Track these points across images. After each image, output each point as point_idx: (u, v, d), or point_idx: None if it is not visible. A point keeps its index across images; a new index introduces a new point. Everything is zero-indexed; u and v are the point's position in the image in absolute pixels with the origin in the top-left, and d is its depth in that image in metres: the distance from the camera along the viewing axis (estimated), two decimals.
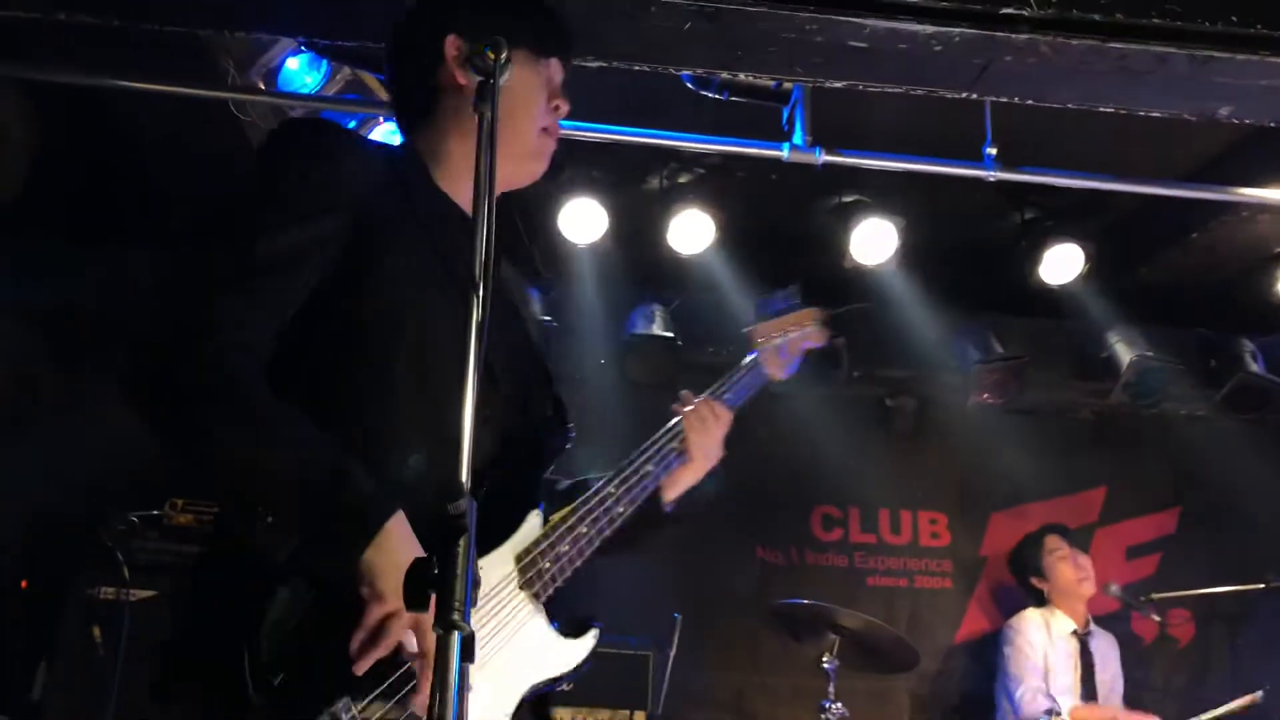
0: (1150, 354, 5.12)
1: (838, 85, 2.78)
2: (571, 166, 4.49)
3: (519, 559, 1.74)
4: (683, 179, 4.71)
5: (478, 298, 1.37)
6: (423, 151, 1.88)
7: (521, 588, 1.74)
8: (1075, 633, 4.78)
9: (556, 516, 1.82)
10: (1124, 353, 5.14)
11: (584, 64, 2.69)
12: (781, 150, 3.54)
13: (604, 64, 2.69)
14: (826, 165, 3.59)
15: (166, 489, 3.73)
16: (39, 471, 4.02)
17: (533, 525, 1.78)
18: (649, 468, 1.99)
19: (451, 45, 1.86)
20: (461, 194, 1.84)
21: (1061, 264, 4.63)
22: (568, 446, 1.95)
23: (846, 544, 5.43)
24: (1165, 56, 2.52)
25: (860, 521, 5.48)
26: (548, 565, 1.76)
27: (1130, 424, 5.55)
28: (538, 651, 1.74)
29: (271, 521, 1.49)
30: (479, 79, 1.56)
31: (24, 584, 4.15)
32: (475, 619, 1.53)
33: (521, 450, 1.81)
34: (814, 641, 4.24)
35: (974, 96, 2.85)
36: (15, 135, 3.78)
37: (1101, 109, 2.83)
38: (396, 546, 1.50)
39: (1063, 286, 4.71)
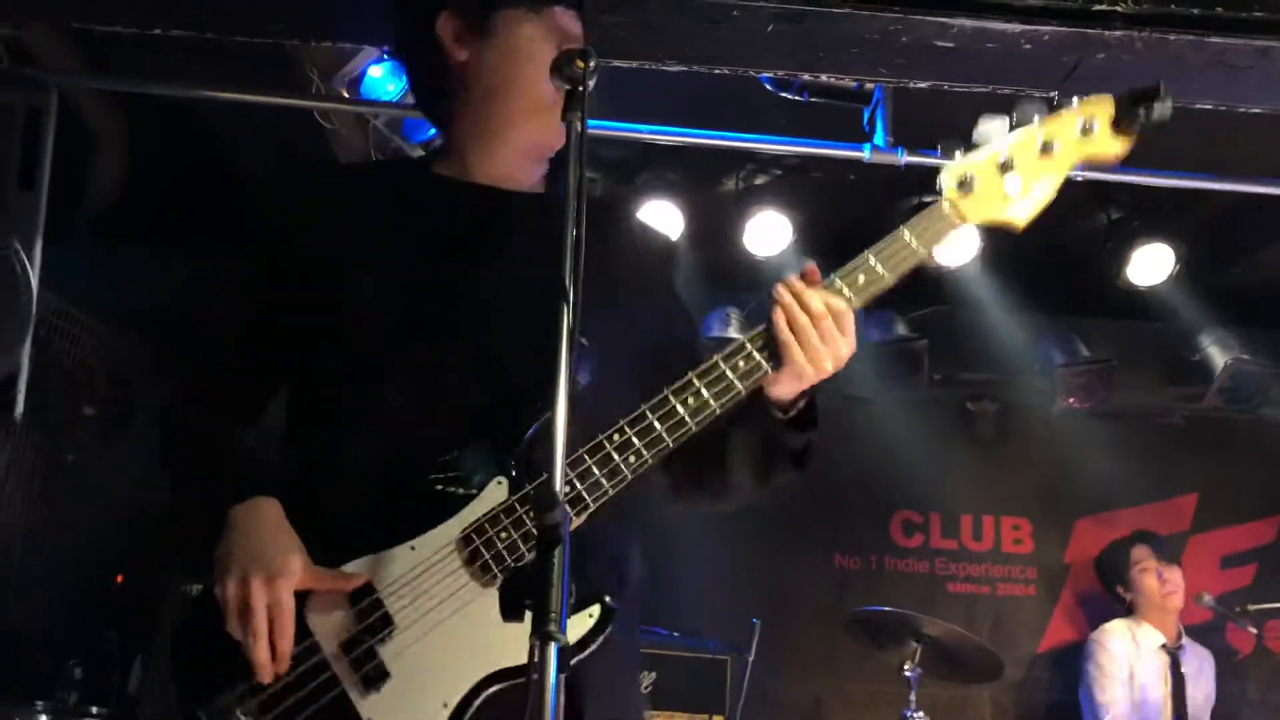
0: (1246, 357, 4.95)
1: (922, 86, 2.73)
2: (646, 169, 4.49)
3: (464, 532, 1.56)
4: (759, 180, 4.68)
5: (568, 306, 1.36)
6: (442, 146, 1.88)
7: (465, 563, 1.55)
8: (1165, 647, 4.63)
9: (533, 485, 1.57)
10: (1218, 356, 4.98)
11: (664, 67, 2.69)
12: (863, 151, 3.50)
13: (684, 67, 2.68)
14: (907, 166, 3.54)
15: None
16: (134, 470, 4.14)
17: (491, 493, 1.57)
18: (690, 399, 1.59)
19: (445, 23, 1.80)
20: (483, 169, 1.81)
21: (1150, 264, 4.50)
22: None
23: (927, 550, 5.35)
24: (1267, 50, 2.43)
25: (941, 527, 5.39)
26: (502, 535, 1.54)
27: (1224, 429, 5.36)
28: (483, 639, 1.52)
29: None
30: (565, 86, 1.56)
31: (119, 579, 4.29)
32: (397, 601, 1.54)
33: (503, 419, 1.61)
34: (895, 649, 4.18)
35: (1061, 97, 2.78)
36: (113, 145, 3.91)
37: (1199, 105, 2.74)
38: (239, 534, 1.53)
39: (1152, 287, 4.58)
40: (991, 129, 1.68)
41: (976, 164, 1.64)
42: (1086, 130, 1.64)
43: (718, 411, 1.60)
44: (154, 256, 4.72)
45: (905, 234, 1.65)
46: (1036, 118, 1.66)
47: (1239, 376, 4.95)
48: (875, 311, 5.13)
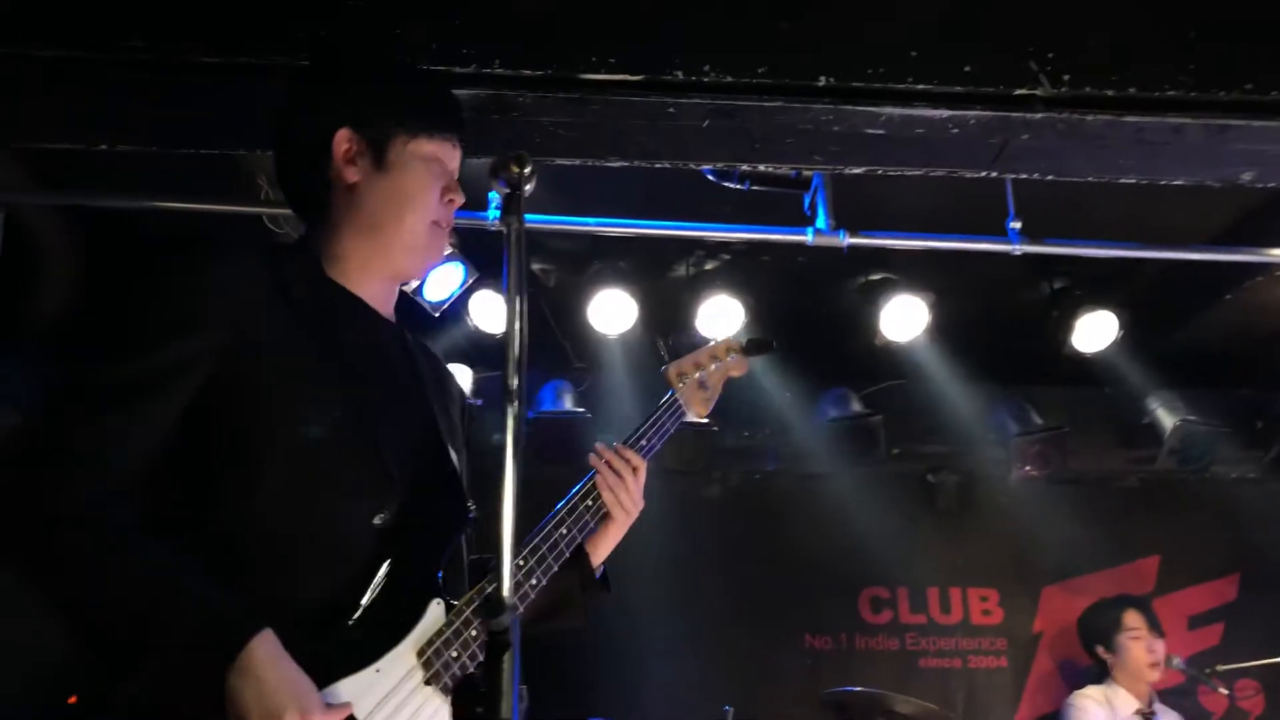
0: (1193, 418, 5.05)
1: (857, 171, 2.81)
2: (598, 259, 4.56)
3: (420, 652, 1.67)
4: (709, 265, 4.76)
5: (512, 408, 1.38)
6: (319, 246, 1.85)
7: (427, 682, 1.67)
8: (1139, 712, 4.61)
9: (464, 600, 1.74)
10: (1166, 418, 5.07)
11: (606, 164, 2.75)
12: (806, 235, 3.58)
13: (626, 163, 2.74)
14: (851, 247, 3.62)
15: None
16: None
17: (434, 615, 1.71)
18: (562, 531, 1.92)
19: (341, 140, 1.83)
20: (361, 287, 1.85)
21: (1095, 331, 4.60)
22: (468, 529, 1.88)
23: (897, 625, 5.32)
24: (1181, 127, 2.53)
25: (910, 602, 5.36)
26: (454, 654, 1.69)
27: (1180, 490, 5.44)
28: None
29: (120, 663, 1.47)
30: (505, 190, 1.60)
31: (73, 699, 4.13)
32: None
33: (422, 539, 1.73)
34: None
35: (994, 175, 2.87)
36: (61, 261, 3.90)
37: (1123, 180, 2.84)
38: (263, 668, 1.46)
39: (1098, 354, 4.66)
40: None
41: (685, 365, 2.34)
42: (730, 355, 2.41)
43: (580, 540, 1.96)
44: None
45: (659, 413, 2.20)
46: (712, 342, 2.43)
47: (1188, 437, 5.04)
48: (829, 390, 5.19)
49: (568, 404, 4.96)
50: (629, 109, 2.46)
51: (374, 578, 1.65)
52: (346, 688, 1.57)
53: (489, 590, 1.69)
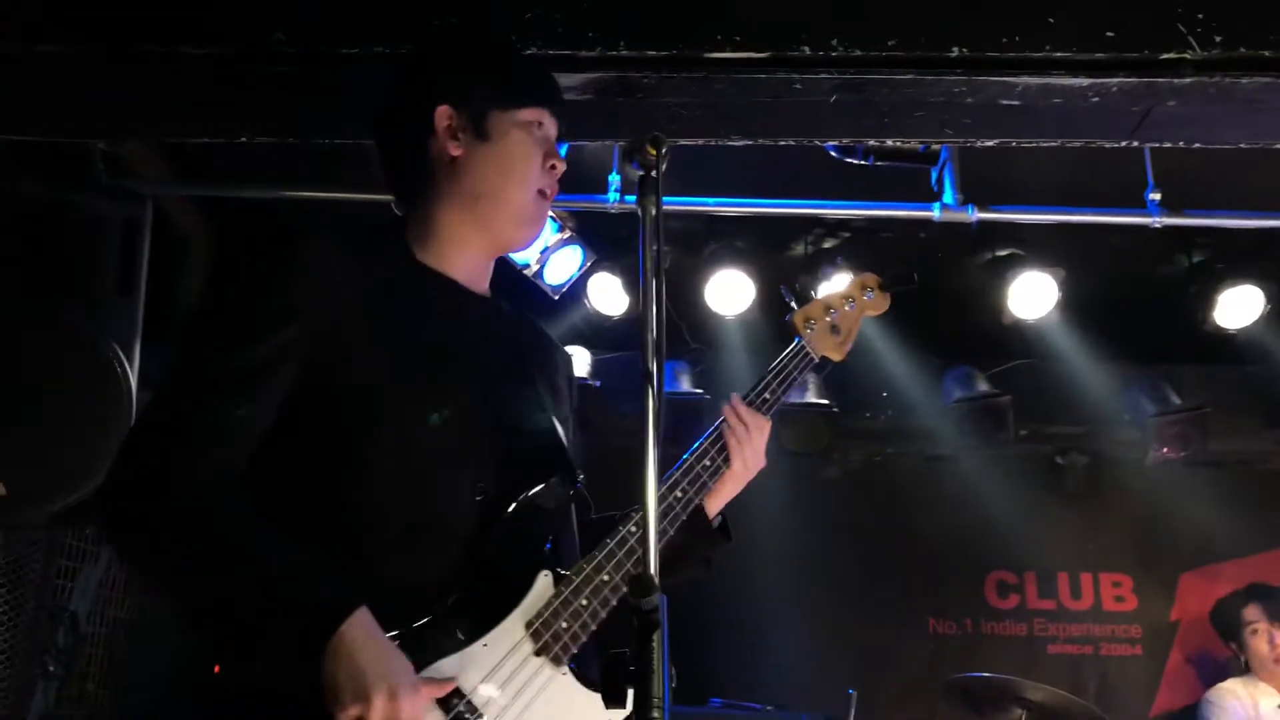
0: None
1: (989, 143, 2.72)
2: (714, 239, 4.53)
3: (529, 624, 1.68)
4: (828, 243, 4.69)
5: (653, 388, 1.38)
6: (414, 226, 1.87)
7: (537, 653, 1.67)
8: None
9: (574, 569, 1.75)
10: None
11: (729, 143, 2.73)
12: (933, 210, 3.49)
13: (749, 142, 2.71)
14: (979, 222, 3.52)
15: None
16: None
17: (542, 586, 1.72)
18: (677, 494, 1.89)
19: (442, 116, 1.86)
20: (455, 265, 1.86)
21: (1239, 306, 4.38)
22: (575, 499, 1.87)
23: (1024, 611, 5.20)
24: None
25: (1038, 586, 5.23)
26: (564, 625, 1.69)
27: None
28: (578, 714, 1.68)
29: (232, 648, 1.54)
30: (639, 173, 1.60)
31: (216, 669, 4.35)
32: (482, 697, 1.59)
33: (527, 511, 1.74)
34: (997, 716, 4.03)
35: (1134, 144, 2.75)
36: (202, 249, 4.07)
37: (1277, 146, 2.69)
38: (354, 650, 1.48)
39: (1242, 330, 4.44)
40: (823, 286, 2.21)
41: (813, 310, 2.22)
42: (866, 294, 2.29)
43: (695, 501, 1.93)
44: None
45: (783, 363, 2.14)
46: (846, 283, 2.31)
47: None
48: (953, 369, 5.07)
49: (685, 385, 4.96)
50: (754, 86, 2.42)
51: (479, 553, 1.67)
52: (451, 663, 1.61)
53: (634, 571, 1.65)
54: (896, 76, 2.39)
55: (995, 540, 5.08)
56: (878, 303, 2.30)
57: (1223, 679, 4.58)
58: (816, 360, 2.17)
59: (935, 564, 5.11)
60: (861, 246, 4.55)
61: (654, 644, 1.16)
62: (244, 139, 2.72)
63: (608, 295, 4.43)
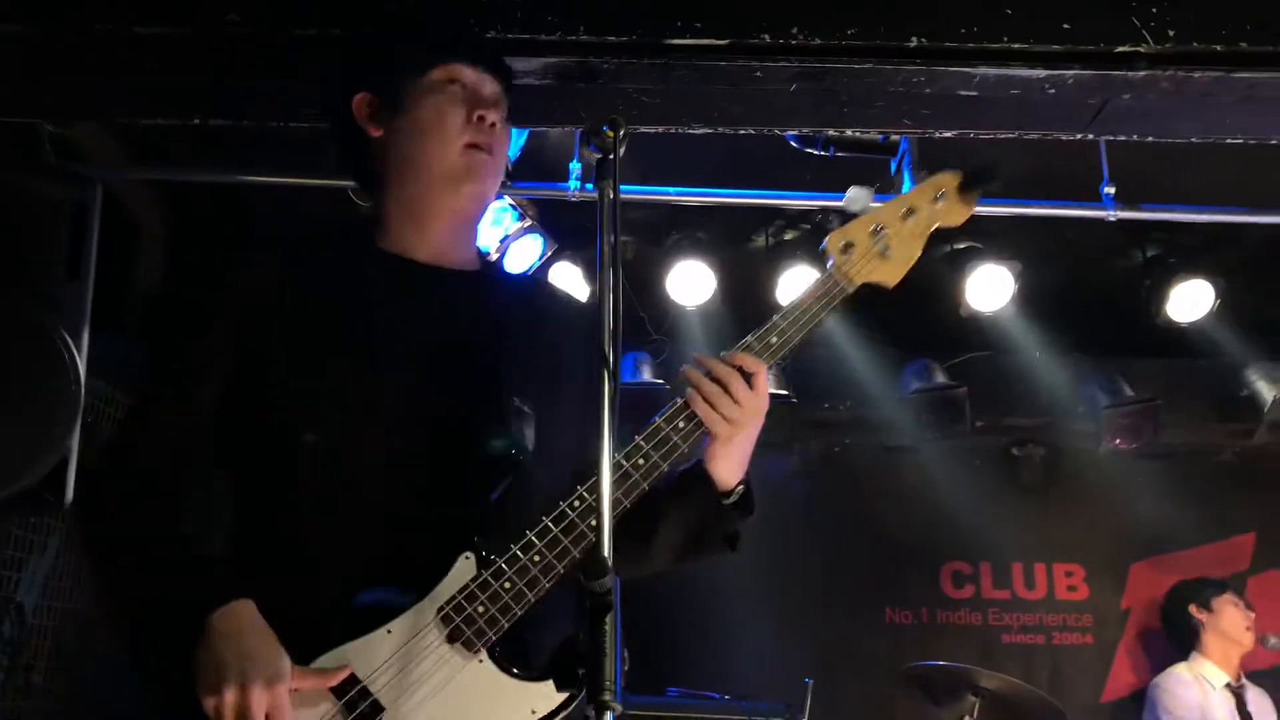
0: None
1: (948, 134, 2.74)
2: (676, 230, 4.53)
3: (439, 609, 1.59)
4: (789, 235, 4.70)
5: (608, 372, 1.38)
6: (374, 215, 1.91)
7: (450, 639, 1.58)
8: (1229, 686, 4.50)
9: (507, 553, 1.63)
10: (1266, 390, 4.90)
11: (689, 131, 2.72)
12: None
13: (710, 130, 2.70)
14: None
15: None
16: None
17: (461, 570, 1.62)
18: (640, 460, 1.68)
19: (360, 105, 1.89)
20: (414, 245, 1.86)
21: (1190, 301, 4.46)
22: (510, 477, 1.71)
23: (979, 601, 5.25)
24: None
25: (992, 577, 5.29)
26: (480, 609, 1.58)
27: (1278, 465, 5.25)
28: (487, 704, 1.57)
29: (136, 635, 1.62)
30: (597, 156, 1.59)
31: None
32: (380, 685, 1.56)
33: (450, 493, 1.68)
34: (952, 705, 4.08)
35: (1090, 137, 2.78)
36: (155, 234, 4.00)
37: (1230, 140, 2.72)
38: (220, 640, 1.52)
39: (1193, 324, 4.52)
40: (859, 196, 1.88)
41: (855, 230, 1.84)
42: (938, 199, 1.87)
43: (664, 469, 1.71)
44: None
45: (806, 298, 1.82)
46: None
47: None
48: (911, 361, 5.11)
49: (646, 375, 4.95)
50: (714, 74, 2.42)
51: (398, 537, 1.64)
52: (352, 651, 1.58)
53: (573, 551, 1.61)
54: (856, 65, 2.39)
55: (951, 531, 5.13)
56: (952, 210, 1.88)
57: (1170, 665, 4.67)
58: (851, 290, 1.83)
59: (892, 554, 5.15)
60: (822, 238, 4.56)
61: (607, 627, 1.14)
62: (197, 121, 2.67)
63: (569, 284, 4.41)
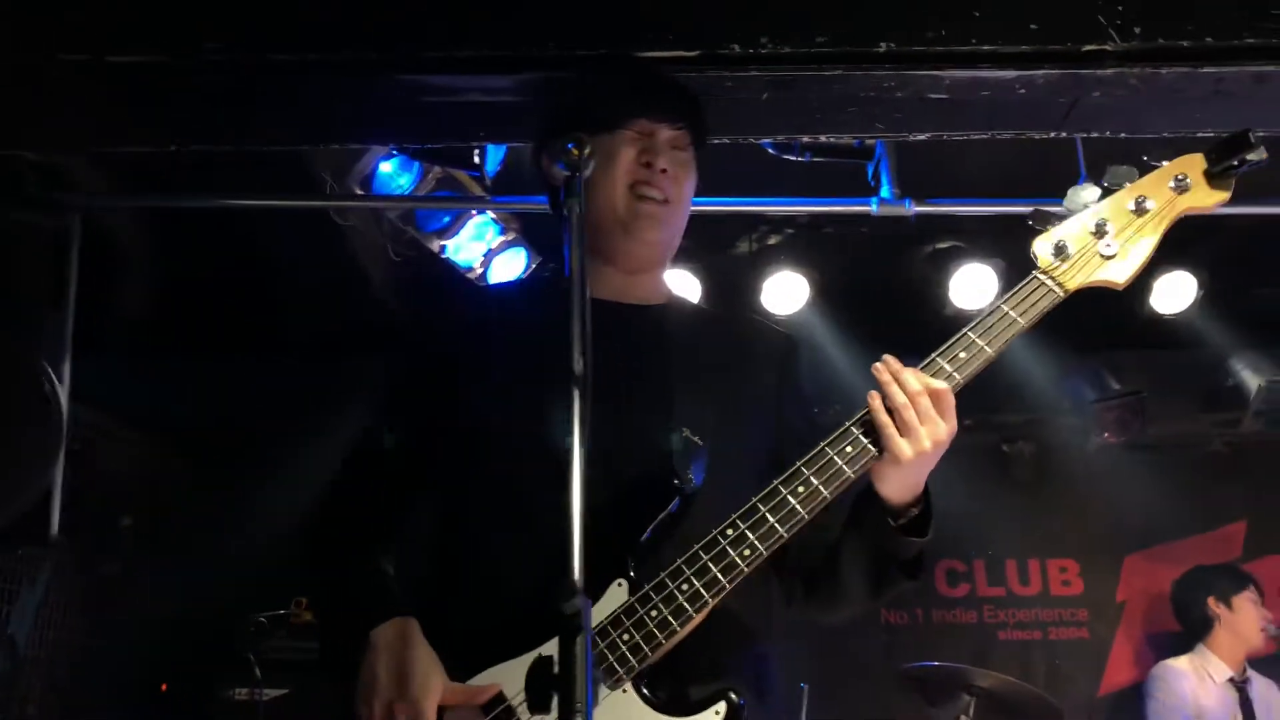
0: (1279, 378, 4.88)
1: (921, 137, 2.75)
2: None
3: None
4: (772, 240, 4.71)
5: (577, 388, 1.38)
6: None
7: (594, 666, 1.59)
8: (1232, 680, 4.49)
9: (656, 581, 1.63)
10: (1251, 379, 4.92)
11: None
12: (870, 205, 3.52)
13: None
14: (918, 215, 3.56)
15: (291, 589, 3.82)
16: (174, 577, 4.17)
17: (613, 596, 1.64)
18: (800, 488, 1.62)
19: (546, 163, 1.91)
20: (599, 285, 1.86)
21: (1173, 292, 4.48)
22: (671, 507, 1.71)
23: (974, 599, 5.26)
24: (1264, 76, 2.43)
25: (987, 574, 5.30)
26: (625, 636, 1.60)
27: (1267, 453, 5.28)
28: None
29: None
30: (564, 174, 1.59)
31: (164, 687, 4.29)
32: (522, 708, 1.60)
33: (613, 522, 1.67)
34: (948, 705, 4.08)
35: (1064, 135, 2.79)
36: (140, 259, 4.00)
37: (1201, 134, 2.74)
38: (380, 652, 1.63)
39: (1177, 315, 4.54)
40: (1082, 196, 1.76)
41: (1070, 232, 1.71)
42: (1180, 187, 1.71)
43: (829, 498, 1.63)
44: (187, 365, 4.79)
45: (1004, 308, 1.73)
46: (1127, 183, 1.73)
47: (1275, 399, 4.88)
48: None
49: None
50: (685, 85, 2.42)
51: (554, 564, 1.61)
52: (505, 671, 1.63)
53: (723, 581, 1.64)
54: (826, 73, 2.40)
55: (944, 528, 5.04)
56: (1201, 192, 1.70)
57: (1167, 656, 4.67)
58: (1064, 297, 1.71)
59: None
60: (805, 243, 4.58)
61: (576, 649, 1.15)
62: (173, 148, 2.68)
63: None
